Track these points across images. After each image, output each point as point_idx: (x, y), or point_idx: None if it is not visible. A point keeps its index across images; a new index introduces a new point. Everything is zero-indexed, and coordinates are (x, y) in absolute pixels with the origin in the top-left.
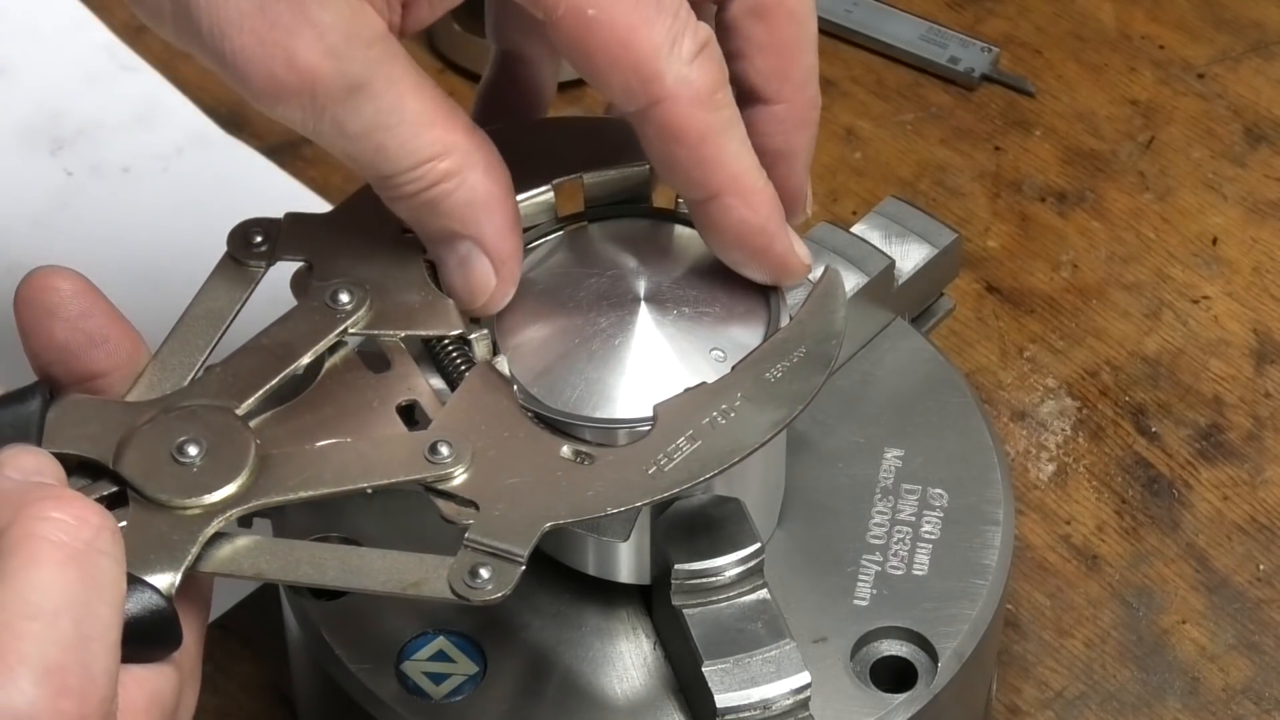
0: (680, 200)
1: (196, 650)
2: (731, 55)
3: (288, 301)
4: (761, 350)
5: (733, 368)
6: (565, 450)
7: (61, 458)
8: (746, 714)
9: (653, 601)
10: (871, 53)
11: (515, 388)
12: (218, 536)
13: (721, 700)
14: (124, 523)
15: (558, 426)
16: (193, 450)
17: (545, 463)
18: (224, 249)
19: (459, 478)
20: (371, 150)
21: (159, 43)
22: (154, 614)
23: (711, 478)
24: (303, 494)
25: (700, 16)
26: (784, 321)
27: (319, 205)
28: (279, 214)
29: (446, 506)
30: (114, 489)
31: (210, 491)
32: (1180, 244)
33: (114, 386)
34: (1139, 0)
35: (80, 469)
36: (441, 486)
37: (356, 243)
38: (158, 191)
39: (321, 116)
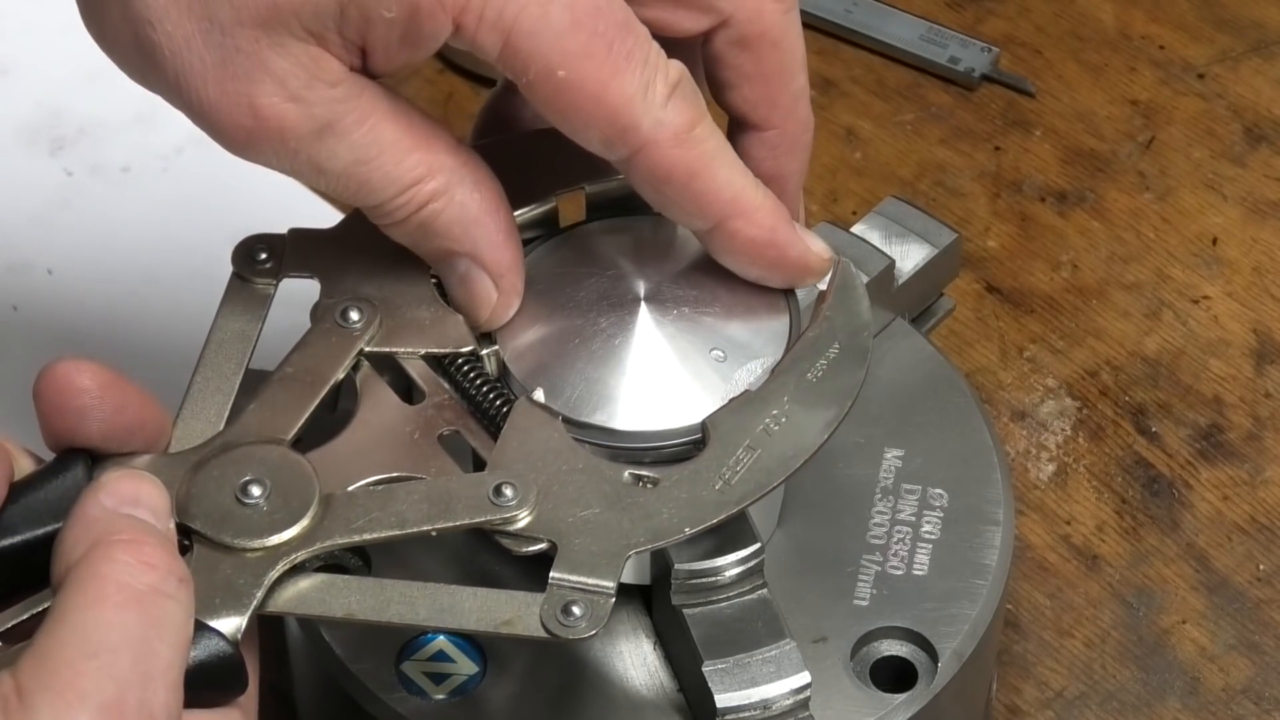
0: None
1: (257, 691)
2: (720, 85)
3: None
4: (796, 352)
5: (770, 372)
6: (626, 476)
7: None
8: (746, 714)
9: (653, 601)
10: (871, 53)
11: (560, 418)
12: (281, 576)
13: (721, 700)
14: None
15: (612, 451)
16: (257, 491)
17: (611, 491)
18: (223, 249)
19: (523, 520)
20: (355, 184)
21: None
22: (220, 659)
23: (779, 485)
24: (367, 536)
25: (687, 48)
26: (804, 320)
27: (318, 205)
28: (278, 214)
29: (511, 544)
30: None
31: (279, 531)
32: (1180, 244)
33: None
34: (1139, 0)
35: None
36: (509, 529)
37: (363, 259)
38: (158, 191)
39: (296, 158)
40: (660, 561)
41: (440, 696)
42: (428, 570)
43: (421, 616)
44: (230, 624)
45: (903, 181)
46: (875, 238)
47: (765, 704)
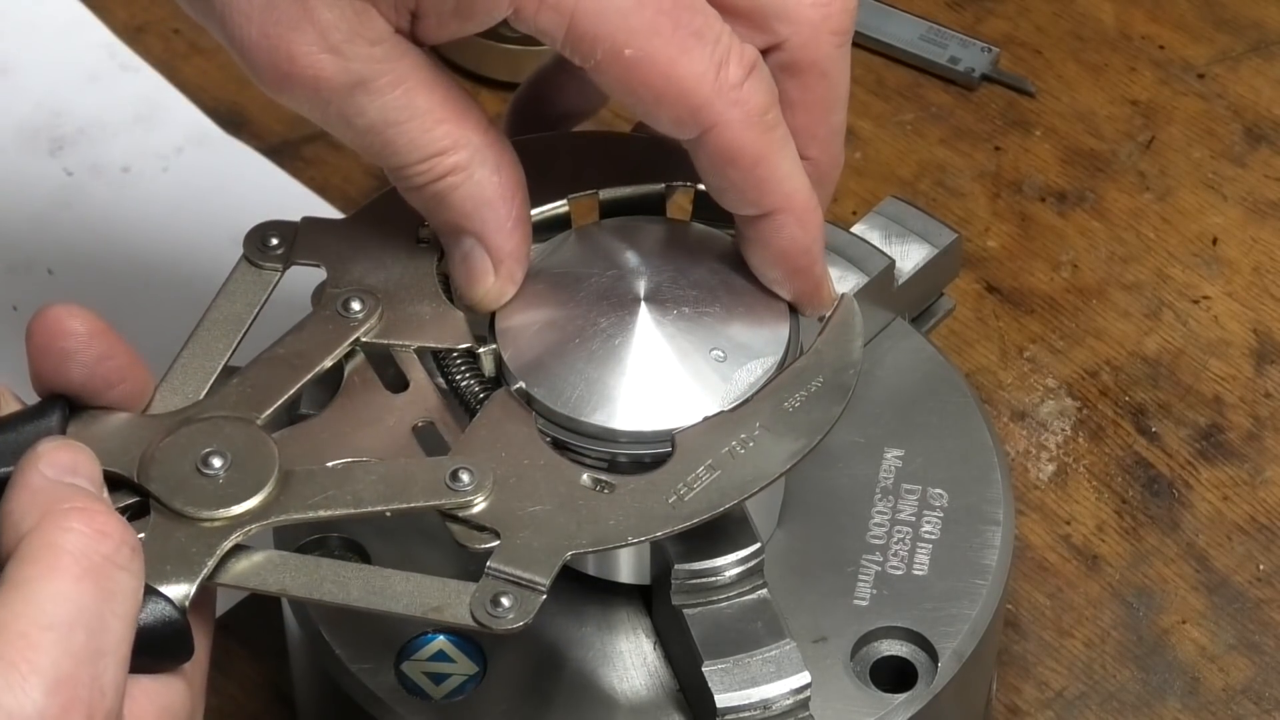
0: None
1: (205, 662)
2: None
3: (295, 303)
4: (780, 379)
5: (750, 397)
6: (585, 479)
7: None
8: (746, 714)
9: (653, 601)
10: (871, 53)
11: (534, 414)
12: (235, 550)
13: (721, 700)
14: (143, 535)
15: (578, 452)
16: (217, 463)
17: (566, 490)
18: (223, 249)
19: (478, 506)
20: (380, 144)
21: (159, 43)
22: (167, 625)
23: (731, 508)
24: (322, 513)
25: None
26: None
27: (318, 206)
28: (278, 215)
29: (461, 532)
30: (134, 499)
31: (234, 504)
32: (1180, 244)
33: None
34: (1139, 0)
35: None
36: (461, 514)
37: (371, 251)
38: (158, 191)
39: (328, 109)
40: (660, 561)
41: (440, 697)
42: (426, 563)
43: (353, 597)
44: (179, 591)
45: (903, 181)
46: (875, 238)
47: (765, 704)
